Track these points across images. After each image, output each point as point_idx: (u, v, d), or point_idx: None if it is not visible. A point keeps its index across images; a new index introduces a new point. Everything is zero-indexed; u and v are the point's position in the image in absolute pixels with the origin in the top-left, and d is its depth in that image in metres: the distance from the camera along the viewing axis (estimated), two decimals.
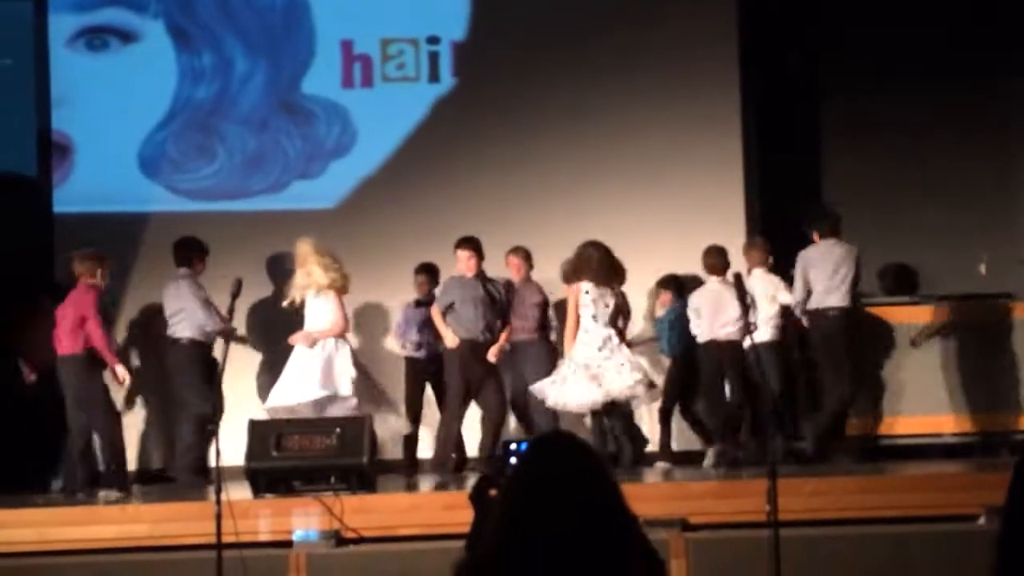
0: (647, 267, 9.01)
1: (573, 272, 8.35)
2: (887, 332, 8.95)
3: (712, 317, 8.38)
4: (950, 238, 9.51)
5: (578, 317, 8.20)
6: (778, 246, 8.77)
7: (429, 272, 8.89)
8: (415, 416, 8.76)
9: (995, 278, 9.39)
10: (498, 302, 8.46)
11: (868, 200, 9.49)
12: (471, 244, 8.45)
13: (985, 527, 6.13)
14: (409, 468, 8.72)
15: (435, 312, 8.49)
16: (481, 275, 8.48)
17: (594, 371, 8.08)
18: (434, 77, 9.61)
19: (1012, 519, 3.01)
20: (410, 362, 8.88)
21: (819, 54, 9.72)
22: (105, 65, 9.53)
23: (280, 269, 9.20)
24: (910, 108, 9.58)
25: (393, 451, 8.88)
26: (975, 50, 9.55)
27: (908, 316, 8.97)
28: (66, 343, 7.99)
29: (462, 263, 8.45)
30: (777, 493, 5.38)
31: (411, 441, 8.81)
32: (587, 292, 8.20)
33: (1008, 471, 2.90)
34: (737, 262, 8.51)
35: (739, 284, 6.19)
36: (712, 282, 8.52)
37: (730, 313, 8.23)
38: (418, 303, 8.84)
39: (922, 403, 8.88)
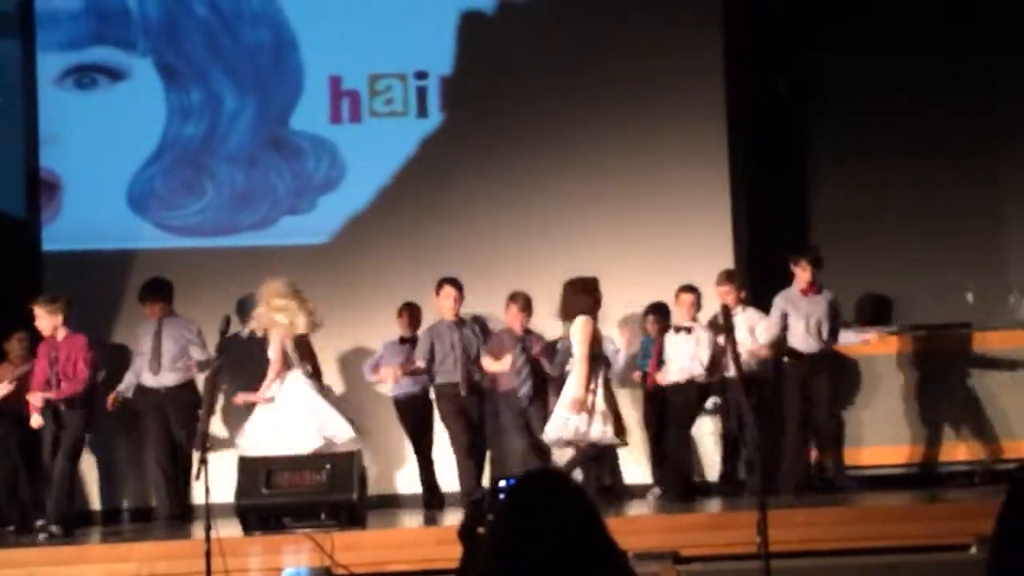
0: (636, 299, 9.01)
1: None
2: (865, 364, 8.96)
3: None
4: (935, 267, 9.52)
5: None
6: (764, 276, 8.79)
7: (412, 311, 8.87)
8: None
9: (980, 307, 9.42)
10: (476, 343, 8.41)
11: (855, 229, 9.52)
12: (453, 283, 8.43)
13: (977, 557, 6.12)
14: (427, 500, 8.72)
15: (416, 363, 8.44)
16: (458, 318, 8.43)
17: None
18: (422, 112, 9.64)
19: (1001, 548, 3.01)
20: (395, 400, 8.88)
21: (805, 85, 9.76)
22: (94, 103, 9.54)
23: None
24: (898, 136, 9.61)
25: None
26: (961, 78, 9.61)
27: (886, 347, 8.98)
28: (68, 386, 8.07)
29: (446, 301, 8.40)
30: (768, 525, 5.38)
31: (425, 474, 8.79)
32: None
33: (999, 500, 2.91)
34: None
35: (727, 317, 6.20)
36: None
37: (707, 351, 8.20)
38: (402, 340, 8.83)
39: (892, 434, 8.87)
